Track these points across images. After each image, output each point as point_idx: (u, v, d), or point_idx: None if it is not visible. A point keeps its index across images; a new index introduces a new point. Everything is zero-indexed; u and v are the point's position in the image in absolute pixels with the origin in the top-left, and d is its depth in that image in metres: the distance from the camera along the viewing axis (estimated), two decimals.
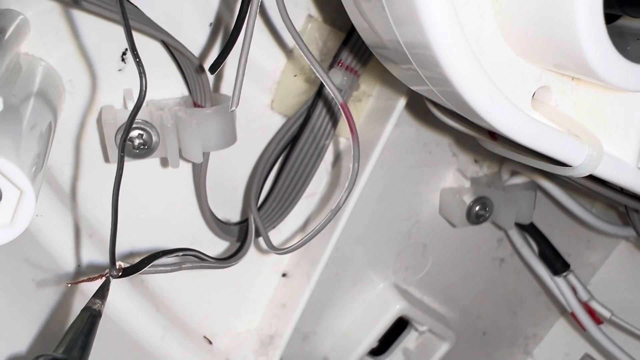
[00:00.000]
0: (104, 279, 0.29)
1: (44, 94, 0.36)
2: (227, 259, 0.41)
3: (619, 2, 0.26)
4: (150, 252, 0.31)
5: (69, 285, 0.29)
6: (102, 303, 0.29)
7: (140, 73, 0.26)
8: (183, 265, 0.33)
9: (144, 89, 0.27)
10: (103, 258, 0.45)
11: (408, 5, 0.24)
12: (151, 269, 0.30)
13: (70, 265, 0.44)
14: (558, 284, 0.57)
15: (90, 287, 0.44)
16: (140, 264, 0.30)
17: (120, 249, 0.45)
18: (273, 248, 0.40)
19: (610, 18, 0.28)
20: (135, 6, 0.37)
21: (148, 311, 0.47)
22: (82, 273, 0.44)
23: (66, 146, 0.41)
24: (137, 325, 0.47)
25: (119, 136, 0.38)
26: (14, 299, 0.41)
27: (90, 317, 0.29)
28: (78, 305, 0.44)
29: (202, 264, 0.35)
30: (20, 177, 0.28)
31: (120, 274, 0.29)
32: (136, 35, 0.39)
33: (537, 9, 0.25)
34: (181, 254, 0.34)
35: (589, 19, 0.23)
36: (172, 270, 0.32)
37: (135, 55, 0.26)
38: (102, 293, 0.30)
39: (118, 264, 0.29)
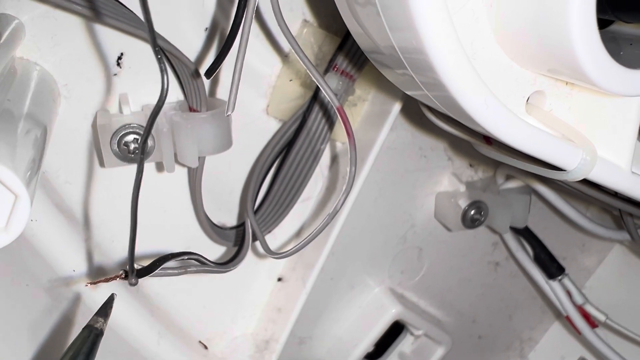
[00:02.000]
0: (119, 280, 0.29)
1: (39, 98, 0.36)
2: (226, 264, 0.41)
3: (612, 7, 0.26)
4: (147, 257, 0.31)
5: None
6: (104, 322, 0.28)
7: (161, 70, 0.25)
8: (189, 269, 0.33)
9: (165, 86, 0.25)
10: (99, 262, 0.45)
11: (403, 10, 0.25)
12: (161, 271, 0.30)
13: (65, 270, 0.44)
14: (553, 288, 0.57)
15: (87, 293, 0.44)
16: (153, 265, 0.30)
17: (115, 254, 0.45)
18: (270, 252, 0.40)
19: (603, 23, 0.28)
20: (131, 11, 0.37)
21: (143, 316, 0.47)
22: (78, 278, 0.44)
23: (61, 151, 0.41)
24: (132, 331, 0.47)
25: (115, 141, 0.38)
26: (9, 304, 0.40)
27: (92, 336, 0.27)
28: (73, 309, 0.44)
29: (205, 268, 0.36)
30: (15, 182, 0.28)
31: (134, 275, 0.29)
32: (132, 40, 0.40)
33: (531, 15, 0.25)
34: (186, 257, 0.34)
35: (582, 25, 0.23)
36: (179, 274, 0.33)
37: (158, 52, 0.25)
38: (105, 311, 0.29)
39: None
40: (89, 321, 0.28)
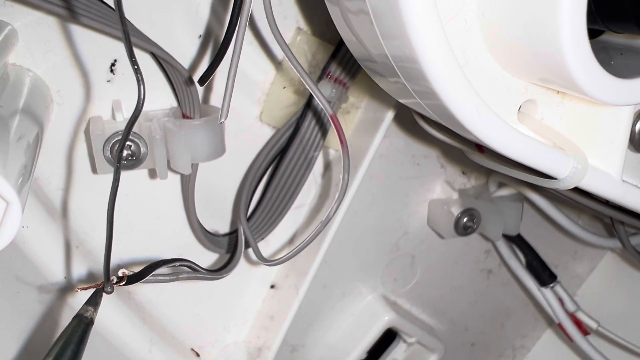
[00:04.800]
0: (107, 286, 0.29)
1: (32, 104, 0.36)
2: (218, 271, 0.41)
3: (602, 17, 0.26)
4: (139, 264, 0.31)
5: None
6: (94, 310, 0.28)
7: (138, 80, 0.26)
8: (180, 276, 0.33)
9: (142, 96, 0.26)
10: (90, 269, 0.44)
11: (395, 19, 0.25)
12: (152, 277, 0.30)
13: (57, 277, 0.43)
14: (545, 295, 0.57)
15: (78, 300, 0.44)
16: (143, 272, 0.30)
17: None
18: (263, 259, 0.40)
19: (593, 33, 0.29)
20: (125, 18, 0.37)
21: (135, 324, 0.47)
22: (69, 285, 0.44)
23: (53, 157, 0.41)
24: (123, 338, 0.47)
25: (107, 147, 0.38)
26: None
27: (82, 325, 0.27)
28: (64, 316, 0.43)
29: (196, 275, 0.35)
30: (7, 188, 0.28)
31: (124, 282, 0.29)
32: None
33: (523, 24, 0.25)
34: (178, 264, 0.34)
35: (573, 35, 0.24)
36: (170, 280, 0.32)
37: (134, 62, 0.26)
38: (95, 300, 0.28)
39: (122, 271, 0.29)
40: (79, 310, 0.28)
